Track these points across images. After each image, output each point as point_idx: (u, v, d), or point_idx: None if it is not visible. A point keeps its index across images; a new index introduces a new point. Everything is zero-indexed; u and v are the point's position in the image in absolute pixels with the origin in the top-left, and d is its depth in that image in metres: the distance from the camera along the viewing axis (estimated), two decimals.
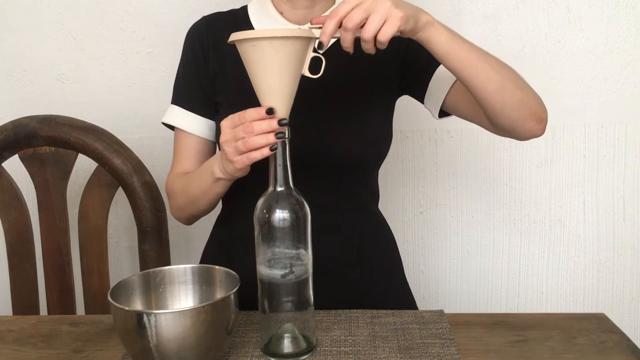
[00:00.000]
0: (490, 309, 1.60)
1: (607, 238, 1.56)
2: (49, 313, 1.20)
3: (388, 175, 1.54)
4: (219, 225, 1.12)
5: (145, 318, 0.70)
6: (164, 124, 1.09)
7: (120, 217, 1.57)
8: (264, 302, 0.80)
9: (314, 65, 0.80)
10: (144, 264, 1.16)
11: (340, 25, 0.77)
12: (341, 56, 0.83)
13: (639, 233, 1.55)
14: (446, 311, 0.92)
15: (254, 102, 0.79)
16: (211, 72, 1.05)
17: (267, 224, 0.78)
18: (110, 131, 1.18)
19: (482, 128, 1.00)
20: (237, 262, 0.90)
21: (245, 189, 0.92)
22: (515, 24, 1.46)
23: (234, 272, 0.81)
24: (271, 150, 0.77)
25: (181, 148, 1.08)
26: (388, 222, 1.13)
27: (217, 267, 0.84)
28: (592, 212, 1.55)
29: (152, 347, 0.71)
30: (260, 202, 0.79)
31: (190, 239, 1.58)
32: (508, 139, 1.41)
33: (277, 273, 0.78)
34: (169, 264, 1.17)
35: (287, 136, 0.78)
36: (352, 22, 0.75)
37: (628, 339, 0.84)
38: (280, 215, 0.77)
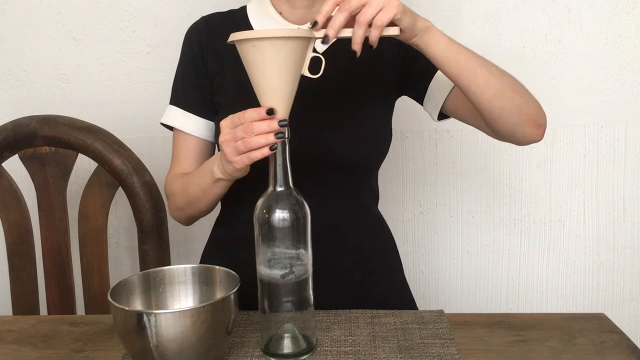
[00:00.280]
0: (490, 309, 1.60)
1: (607, 238, 1.56)
2: (49, 313, 1.20)
3: (388, 175, 1.54)
4: (219, 225, 1.12)
5: (145, 318, 0.70)
6: (162, 124, 1.09)
7: (120, 217, 1.57)
8: (264, 302, 0.80)
9: (314, 65, 0.80)
10: (144, 264, 1.16)
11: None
12: (341, 56, 0.83)
13: (639, 233, 1.55)
14: (446, 311, 0.92)
15: (253, 102, 0.79)
16: (210, 73, 1.05)
17: (267, 224, 0.78)
18: (110, 131, 1.18)
19: None
20: (237, 262, 0.90)
21: (245, 189, 0.92)
22: (515, 24, 1.46)
23: (234, 272, 0.81)
24: (271, 150, 0.77)
25: (180, 149, 1.08)
26: (388, 222, 1.13)
27: (217, 267, 0.84)
28: (592, 212, 1.55)
29: (152, 347, 0.71)
30: (260, 202, 0.79)
31: (190, 239, 1.58)
32: None
33: (277, 273, 0.78)
34: (168, 264, 1.17)
35: (287, 136, 0.78)
36: (350, 3, 0.76)
37: (628, 339, 0.84)
38: (280, 215, 0.77)
